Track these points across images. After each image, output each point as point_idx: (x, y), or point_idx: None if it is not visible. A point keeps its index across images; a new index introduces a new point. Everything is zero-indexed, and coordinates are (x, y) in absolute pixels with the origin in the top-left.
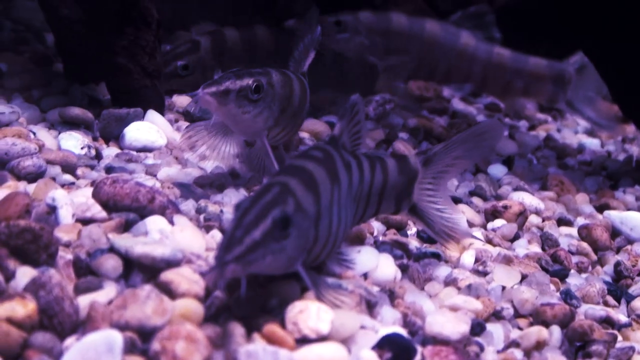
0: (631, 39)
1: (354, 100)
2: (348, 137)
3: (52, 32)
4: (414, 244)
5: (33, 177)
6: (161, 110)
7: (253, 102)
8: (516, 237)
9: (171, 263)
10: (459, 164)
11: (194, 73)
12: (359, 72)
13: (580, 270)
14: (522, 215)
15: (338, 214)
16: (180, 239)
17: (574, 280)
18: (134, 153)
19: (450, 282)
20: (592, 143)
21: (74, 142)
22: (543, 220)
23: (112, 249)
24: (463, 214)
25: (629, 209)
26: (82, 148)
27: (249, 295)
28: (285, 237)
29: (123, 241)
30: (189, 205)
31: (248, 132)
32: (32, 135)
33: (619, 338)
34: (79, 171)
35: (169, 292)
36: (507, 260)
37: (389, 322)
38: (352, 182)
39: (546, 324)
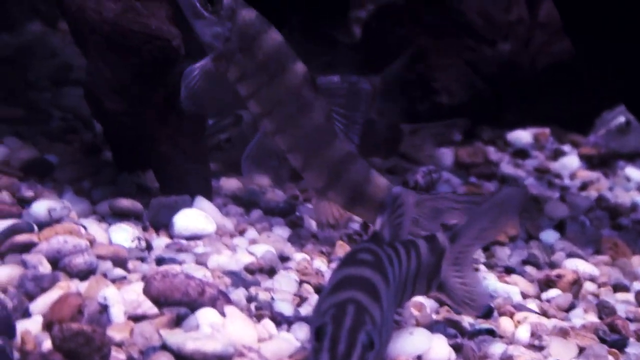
0: None
1: (396, 194)
2: (389, 231)
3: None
4: (467, 320)
5: (85, 274)
6: (209, 195)
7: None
8: (572, 307)
9: (223, 358)
10: (484, 236)
11: (236, 146)
12: (382, 133)
13: (639, 337)
14: (576, 284)
15: (389, 312)
16: (232, 331)
17: (634, 349)
18: (184, 242)
19: (505, 359)
20: None
21: (124, 235)
22: (599, 287)
23: (165, 346)
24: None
25: None
26: (132, 241)
27: None
28: (369, 357)
29: (175, 337)
30: (239, 294)
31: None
32: (83, 230)
33: None
34: (130, 264)
35: None
36: (563, 333)
37: None
38: (395, 277)
39: None
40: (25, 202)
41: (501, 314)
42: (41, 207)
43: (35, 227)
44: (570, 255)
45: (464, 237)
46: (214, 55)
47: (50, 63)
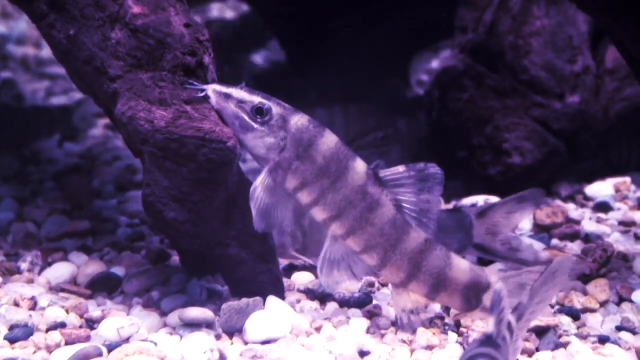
0: None
1: (498, 291)
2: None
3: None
4: None
5: None
6: (281, 294)
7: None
8: None
9: None
10: (539, 307)
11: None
12: None
13: None
14: None
15: None
16: None
17: None
18: (259, 347)
19: None
20: None
21: (196, 347)
22: None
23: None
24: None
25: None
26: (204, 352)
27: None
28: None
29: None
30: None
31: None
32: (153, 347)
33: None
34: None
35: None
36: None
37: None
38: None
39: None
40: (94, 322)
41: None
42: (109, 327)
43: (105, 351)
44: None
45: (525, 314)
46: (270, 167)
47: (113, 167)
